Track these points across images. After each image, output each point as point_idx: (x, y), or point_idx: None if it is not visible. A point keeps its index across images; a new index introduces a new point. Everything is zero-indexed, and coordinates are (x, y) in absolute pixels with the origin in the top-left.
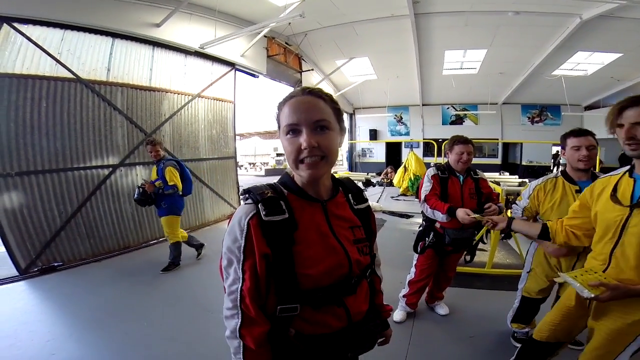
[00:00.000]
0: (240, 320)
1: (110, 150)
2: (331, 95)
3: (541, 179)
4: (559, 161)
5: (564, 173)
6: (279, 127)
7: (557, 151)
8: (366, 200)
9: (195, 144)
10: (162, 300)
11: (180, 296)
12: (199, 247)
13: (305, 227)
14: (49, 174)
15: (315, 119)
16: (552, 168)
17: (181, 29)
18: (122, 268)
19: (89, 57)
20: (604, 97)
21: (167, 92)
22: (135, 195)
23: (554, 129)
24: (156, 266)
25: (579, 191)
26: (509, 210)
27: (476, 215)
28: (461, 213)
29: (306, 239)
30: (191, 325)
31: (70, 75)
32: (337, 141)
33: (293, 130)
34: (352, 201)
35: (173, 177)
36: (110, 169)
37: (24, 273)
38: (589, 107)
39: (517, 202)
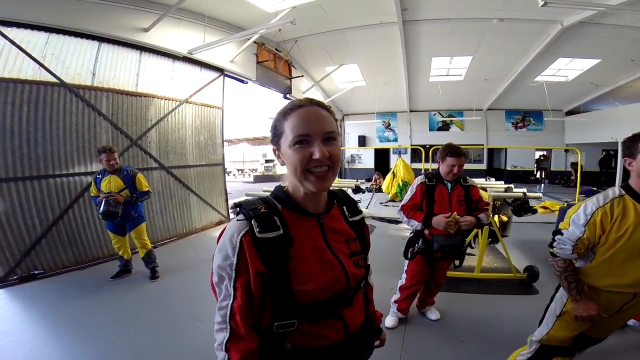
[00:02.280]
0: (227, 335)
1: (95, 157)
2: (331, 107)
3: (600, 197)
4: (542, 167)
5: (630, 190)
6: (277, 135)
7: (540, 156)
8: (361, 212)
9: (182, 151)
10: (149, 309)
11: (168, 305)
12: (125, 272)
13: (301, 243)
14: (29, 181)
15: (326, 130)
16: (535, 173)
17: (170, 34)
18: (107, 276)
19: (74, 61)
20: (584, 103)
21: (153, 97)
22: (103, 208)
23: (536, 134)
24: (142, 274)
25: None
26: (495, 216)
27: (451, 216)
28: (436, 220)
29: (302, 254)
30: (181, 334)
31: (54, 80)
32: (340, 153)
33: (302, 140)
34: (347, 213)
35: (145, 183)
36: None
37: (2, 281)
38: (569, 112)
39: (561, 231)
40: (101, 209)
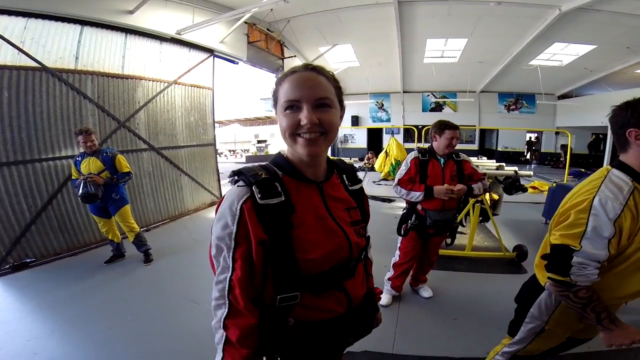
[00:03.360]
0: (226, 311)
1: (76, 140)
2: (333, 73)
3: (612, 190)
4: (532, 148)
5: (634, 175)
6: (275, 104)
7: (530, 137)
8: (360, 181)
9: (172, 132)
10: (145, 292)
11: (163, 288)
12: (119, 256)
13: (303, 210)
14: (14, 166)
15: (318, 96)
16: (525, 154)
17: (156, 15)
18: (100, 261)
19: (55, 46)
20: (577, 87)
21: (141, 79)
22: (82, 191)
23: (528, 116)
24: (136, 258)
25: None
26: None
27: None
28: (438, 188)
29: (304, 222)
30: (178, 318)
31: (35, 64)
32: (338, 118)
33: (292, 106)
34: (346, 182)
35: (125, 164)
36: None
37: None
38: (562, 96)
39: (572, 250)
40: (80, 191)
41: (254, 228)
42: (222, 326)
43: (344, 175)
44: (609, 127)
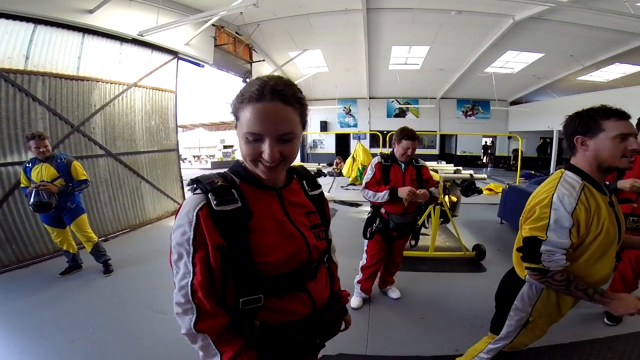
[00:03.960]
0: (195, 316)
1: (27, 145)
2: (301, 97)
3: (566, 187)
4: (488, 152)
5: (585, 176)
6: (235, 116)
7: (486, 142)
8: (320, 186)
9: (131, 137)
10: (106, 304)
11: (125, 299)
12: (75, 267)
13: (261, 216)
14: None
15: (282, 132)
16: (482, 158)
17: (118, 15)
18: (55, 273)
19: (4, 45)
20: (527, 94)
21: (98, 81)
22: (34, 200)
23: (484, 122)
24: (94, 269)
25: (611, 203)
26: (446, 196)
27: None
28: (402, 189)
29: (263, 227)
30: (144, 328)
31: None
32: (298, 146)
33: (255, 139)
34: (306, 188)
35: (82, 171)
36: None
37: None
38: (513, 102)
39: (539, 240)
40: (31, 200)
41: (210, 233)
42: (194, 331)
43: (304, 181)
44: (554, 132)
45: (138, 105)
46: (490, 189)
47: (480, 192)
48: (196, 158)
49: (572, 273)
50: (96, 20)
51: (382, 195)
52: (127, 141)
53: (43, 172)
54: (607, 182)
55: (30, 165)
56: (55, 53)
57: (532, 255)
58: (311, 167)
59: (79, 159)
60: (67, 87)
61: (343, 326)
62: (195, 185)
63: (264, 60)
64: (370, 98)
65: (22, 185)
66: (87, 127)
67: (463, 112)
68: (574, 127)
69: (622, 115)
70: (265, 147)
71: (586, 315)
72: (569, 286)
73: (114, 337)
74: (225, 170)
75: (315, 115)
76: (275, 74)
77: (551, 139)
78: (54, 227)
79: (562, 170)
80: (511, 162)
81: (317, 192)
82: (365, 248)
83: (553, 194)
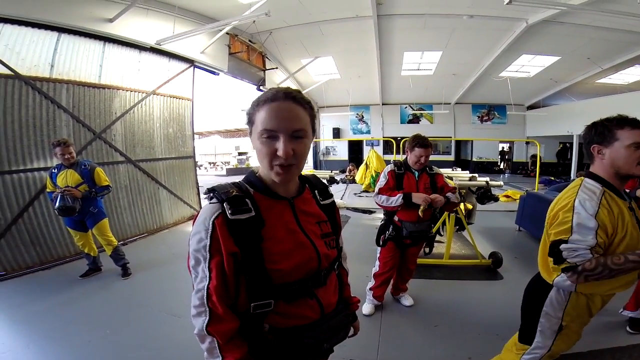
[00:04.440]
0: (207, 318)
1: (53, 152)
2: (310, 101)
3: (587, 193)
4: (505, 158)
5: (604, 183)
6: (250, 123)
7: (503, 148)
8: (331, 195)
9: (150, 144)
10: (124, 306)
11: (142, 302)
12: (95, 270)
13: (273, 224)
14: None
15: (295, 128)
16: (499, 164)
17: (137, 24)
18: (76, 275)
19: (30, 53)
20: (544, 98)
21: (118, 89)
22: (59, 204)
23: (500, 127)
24: (113, 272)
25: (631, 209)
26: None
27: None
28: (416, 195)
29: (275, 235)
30: (159, 330)
31: (7, 72)
32: (309, 147)
33: (269, 135)
34: (318, 197)
35: (104, 177)
36: None
37: None
38: (531, 107)
39: (563, 241)
40: (57, 204)
41: (224, 241)
42: (205, 332)
43: (316, 191)
44: (574, 136)
45: (156, 113)
46: (507, 196)
47: (496, 199)
48: (212, 165)
49: (601, 256)
50: (116, 29)
51: (396, 200)
52: (146, 148)
53: (68, 178)
54: (627, 190)
55: (56, 171)
56: (78, 61)
57: (559, 257)
58: (324, 174)
59: (100, 165)
60: (89, 95)
61: (352, 332)
62: (211, 195)
63: (276, 68)
64: (383, 104)
65: (48, 190)
66: (108, 134)
67: (478, 117)
68: (590, 136)
69: (636, 124)
70: (280, 144)
71: (608, 323)
72: (608, 268)
73: (129, 339)
74: (240, 180)
75: (327, 122)
76: (288, 81)
77: (571, 143)
78: (77, 230)
79: (582, 177)
80: (529, 168)
81: (328, 201)
82: (378, 255)
83: (574, 200)
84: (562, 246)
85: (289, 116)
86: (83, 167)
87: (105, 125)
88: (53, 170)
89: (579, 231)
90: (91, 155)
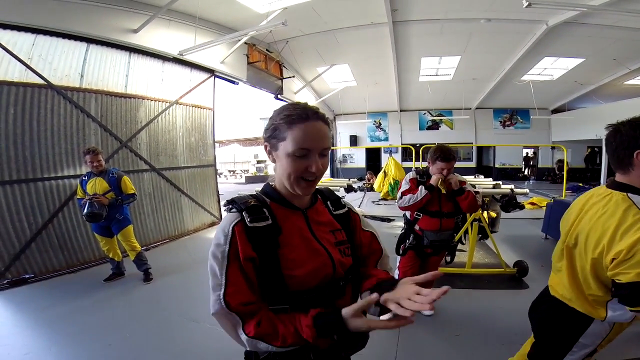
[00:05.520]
0: (241, 321)
1: (84, 159)
2: (328, 118)
3: (634, 209)
4: (530, 164)
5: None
6: (276, 137)
7: (527, 153)
8: (344, 206)
9: (173, 152)
10: (144, 311)
11: (163, 307)
12: (118, 274)
13: (289, 232)
14: (17, 185)
15: (324, 146)
16: (523, 170)
17: (159, 35)
18: (100, 279)
19: (62, 63)
20: (569, 101)
21: (143, 99)
22: (87, 210)
23: (524, 132)
24: (135, 277)
25: None
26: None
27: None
28: (432, 179)
29: (290, 242)
30: (178, 335)
31: (41, 81)
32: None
33: (304, 154)
34: (330, 208)
35: (131, 185)
36: None
37: None
38: (555, 111)
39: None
40: (85, 210)
41: (243, 246)
42: (249, 338)
43: (329, 202)
44: (603, 140)
45: (179, 122)
46: (533, 203)
47: (522, 207)
48: (231, 173)
49: None
50: (141, 39)
51: (419, 193)
52: (169, 157)
53: (96, 185)
54: None
55: (86, 178)
56: (106, 71)
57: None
58: (341, 182)
59: (126, 173)
60: (116, 104)
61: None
62: (231, 206)
63: (293, 77)
64: (401, 111)
65: (78, 196)
66: (133, 142)
67: (501, 122)
68: (633, 138)
69: None
70: (313, 161)
71: (632, 334)
72: None
73: (149, 343)
74: (256, 191)
75: (344, 130)
76: (305, 89)
77: (600, 148)
78: (103, 236)
79: (622, 193)
80: (556, 173)
81: (341, 211)
82: (397, 264)
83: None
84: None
85: (321, 136)
86: (111, 175)
87: (131, 134)
88: (83, 178)
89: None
90: (117, 163)
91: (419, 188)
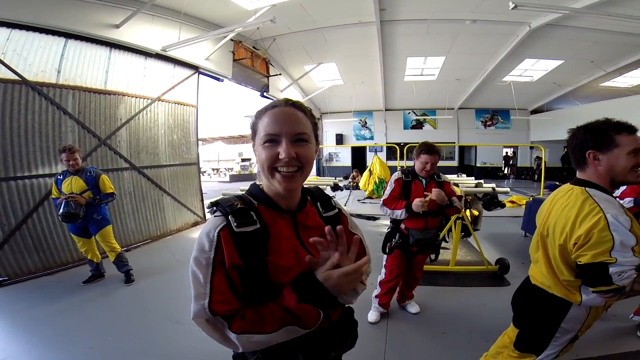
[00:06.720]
0: (226, 324)
1: (59, 157)
2: (311, 109)
3: (608, 204)
4: (510, 163)
5: (604, 190)
6: (254, 135)
7: (507, 153)
8: (334, 207)
9: (154, 150)
10: (126, 313)
11: (145, 309)
12: (98, 276)
13: (277, 237)
14: None
15: (296, 131)
16: (503, 169)
17: (143, 31)
18: (78, 281)
19: (37, 58)
20: (548, 102)
21: (124, 95)
22: (63, 210)
23: (504, 132)
24: (116, 278)
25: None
26: (467, 210)
27: (426, 197)
28: (415, 203)
29: (279, 248)
30: (162, 338)
31: (14, 77)
32: (314, 152)
33: (271, 140)
34: (320, 209)
35: (109, 184)
36: None
37: None
38: (534, 111)
39: (608, 265)
40: (60, 210)
41: (229, 253)
42: (236, 334)
43: (318, 203)
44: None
45: (161, 120)
46: (513, 202)
47: (503, 206)
48: (215, 171)
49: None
50: (122, 35)
51: (400, 214)
52: (151, 155)
53: (73, 185)
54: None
55: (61, 177)
56: (84, 67)
57: (603, 279)
58: (327, 181)
59: (105, 171)
60: (95, 101)
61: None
62: (215, 208)
63: (280, 74)
64: (386, 110)
65: (53, 196)
66: (113, 140)
67: (482, 122)
68: (585, 141)
69: (633, 130)
70: (282, 146)
71: (618, 328)
72: None
73: (132, 345)
74: (243, 192)
75: (330, 128)
76: (291, 87)
77: None
78: (80, 236)
79: (580, 188)
80: (535, 171)
81: (331, 213)
82: (384, 263)
83: (605, 215)
84: (613, 270)
85: (290, 119)
86: (88, 174)
87: (110, 131)
88: (58, 177)
89: (621, 250)
90: (96, 161)
91: (401, 211)
